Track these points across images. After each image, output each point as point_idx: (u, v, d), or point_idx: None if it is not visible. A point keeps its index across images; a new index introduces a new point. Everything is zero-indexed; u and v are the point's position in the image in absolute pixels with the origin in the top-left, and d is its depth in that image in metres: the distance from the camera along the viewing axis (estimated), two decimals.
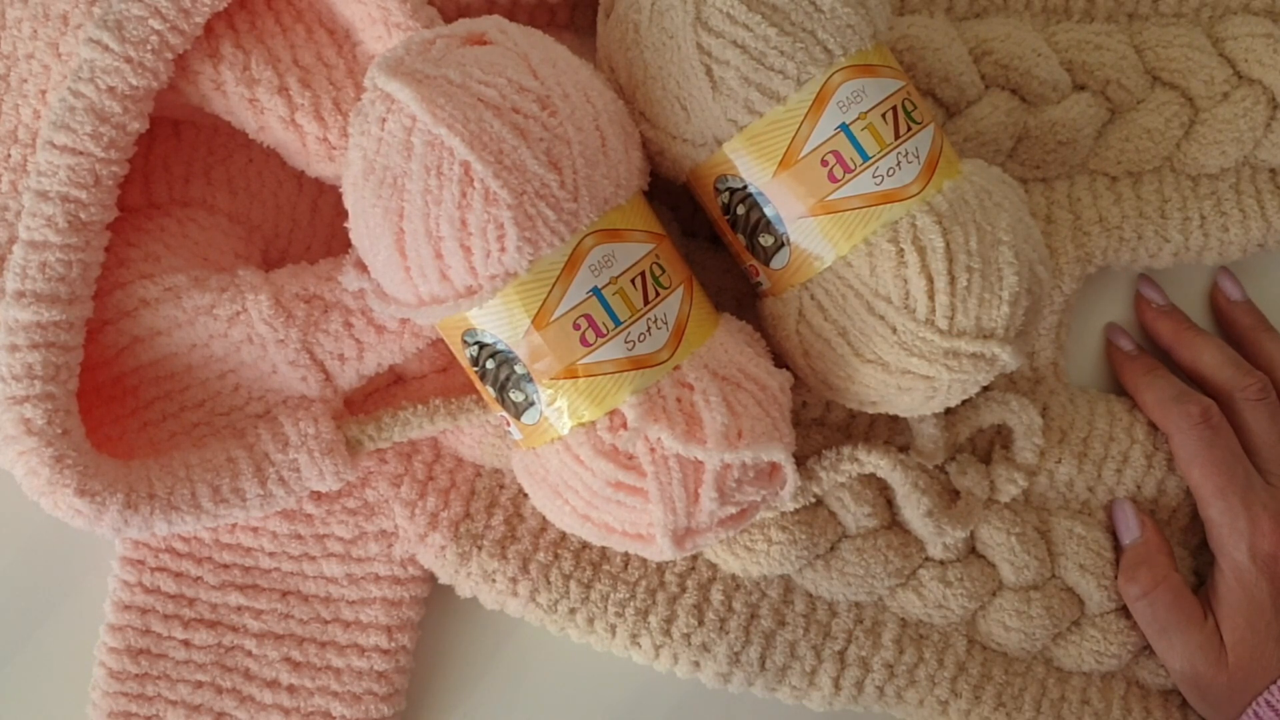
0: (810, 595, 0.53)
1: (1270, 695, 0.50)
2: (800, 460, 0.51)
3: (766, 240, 0.45)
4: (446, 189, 0.40)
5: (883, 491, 0.52)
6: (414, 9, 0.45)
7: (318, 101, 0.46)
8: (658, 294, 0.43)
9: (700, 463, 0.42)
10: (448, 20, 0.46)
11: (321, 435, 0.48)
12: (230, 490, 0.47)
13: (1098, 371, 0.57)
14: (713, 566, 0.52)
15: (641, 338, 0.42)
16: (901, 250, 0.44)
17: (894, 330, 0.44)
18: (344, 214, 0.44)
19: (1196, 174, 0.55)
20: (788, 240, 0.45)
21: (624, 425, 0.42)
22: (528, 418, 0.44)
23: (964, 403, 0.51)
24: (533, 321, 0.42)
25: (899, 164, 0.44)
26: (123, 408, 0.48)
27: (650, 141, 0.46)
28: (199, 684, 0.51)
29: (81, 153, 0.44)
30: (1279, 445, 0.53)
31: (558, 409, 0.43)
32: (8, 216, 0.49)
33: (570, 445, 0.43)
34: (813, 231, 0.44)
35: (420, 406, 0.49)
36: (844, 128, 0.43)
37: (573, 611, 0.51)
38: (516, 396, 0.44)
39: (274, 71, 0.46)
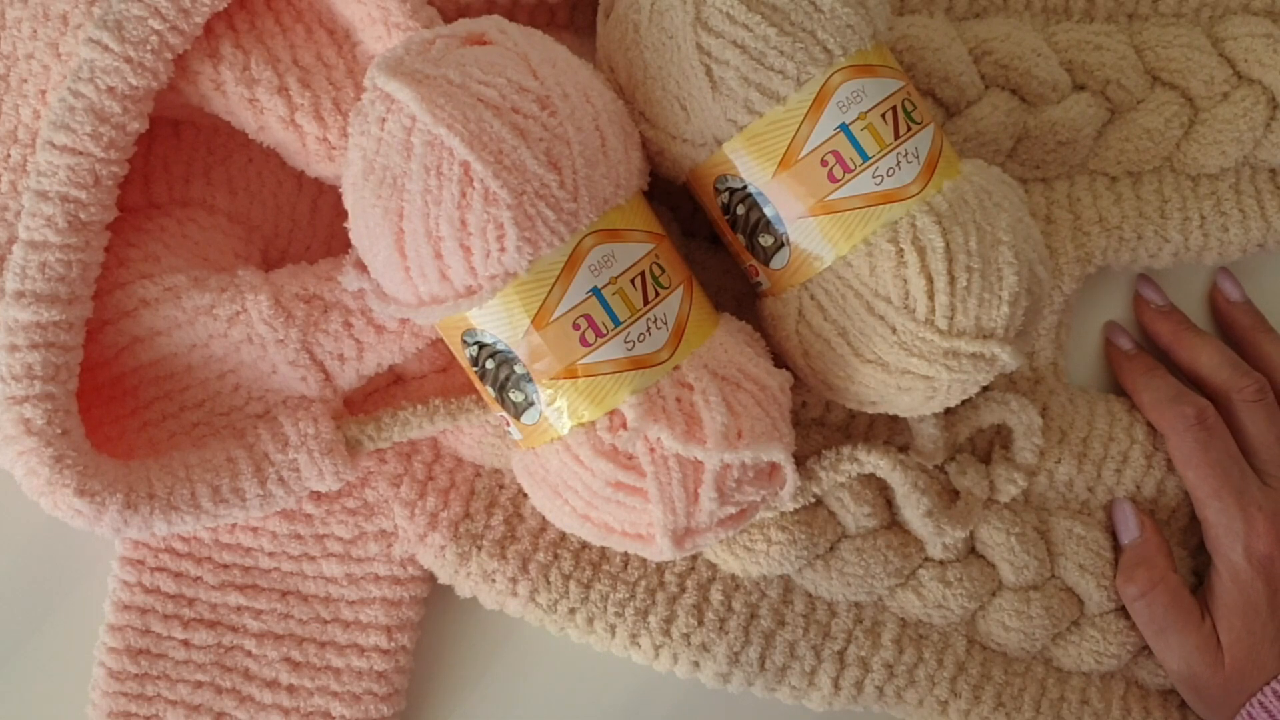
0: (810, 595, 0.53)
1: (1263, 696, 0.50)
2: (800, 460, 0.51)
3: (766, 240, 0.45)
4: (446, 189, 0.40)
5: (882, 491, 0.52)
6: (414, 9, 0.45)
7: (318, 101, 0.46)
8: (657, 294, 0.43)
9: (700, 463, 0.42)
10: (448, 20, 0.46)
11: (321, 435, 0.48)
12: (230, 490, 0.47)
13: (1098, 371, 0.57)
14: (712, 566, 0.52)
15: (641, 338, 0.42)
16: (901, 250, 0.44)
17: (894, 330, 0.44)
18: (344, 214, 0.44)
19: (1196, 174, 0.55)
20: (787, 240, 0.45)
21: (624, 425, 0.42)
22: (527, 418, 0.44)
23: (964, 403, 0.51)
24: (532, 321, 0.42)
25: (899, 164, 0.44)
26: (123, 408, 0.48)
27: (650, 141, 0.46)
28: (199, 684, 0.51)
29: (81, 153, 0.44)
30: (1276, 446, 0.53)
31: (557, 409, 0.43)
32: (8, 216, 0.49)
33: (570, 445, 0.43)
34: (812, 231, 0.44)
35: (420, 406, 0.49)
36: (844, 128, 0.43)
37: (572, 611, 0.51)
38: (516, 396, 0.44)
39: (274, 71, 0.46)
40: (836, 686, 0.52)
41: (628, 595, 0.52)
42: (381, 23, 0.45)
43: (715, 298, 0.48)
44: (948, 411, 0.52)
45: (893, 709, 0.53)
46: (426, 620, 0.54)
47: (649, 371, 0.42)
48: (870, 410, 0.48)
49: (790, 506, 0.51)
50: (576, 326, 0.42)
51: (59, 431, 0.44)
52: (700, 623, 0.52)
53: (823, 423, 0.53)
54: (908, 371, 0.45)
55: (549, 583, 0.51)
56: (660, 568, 0.52)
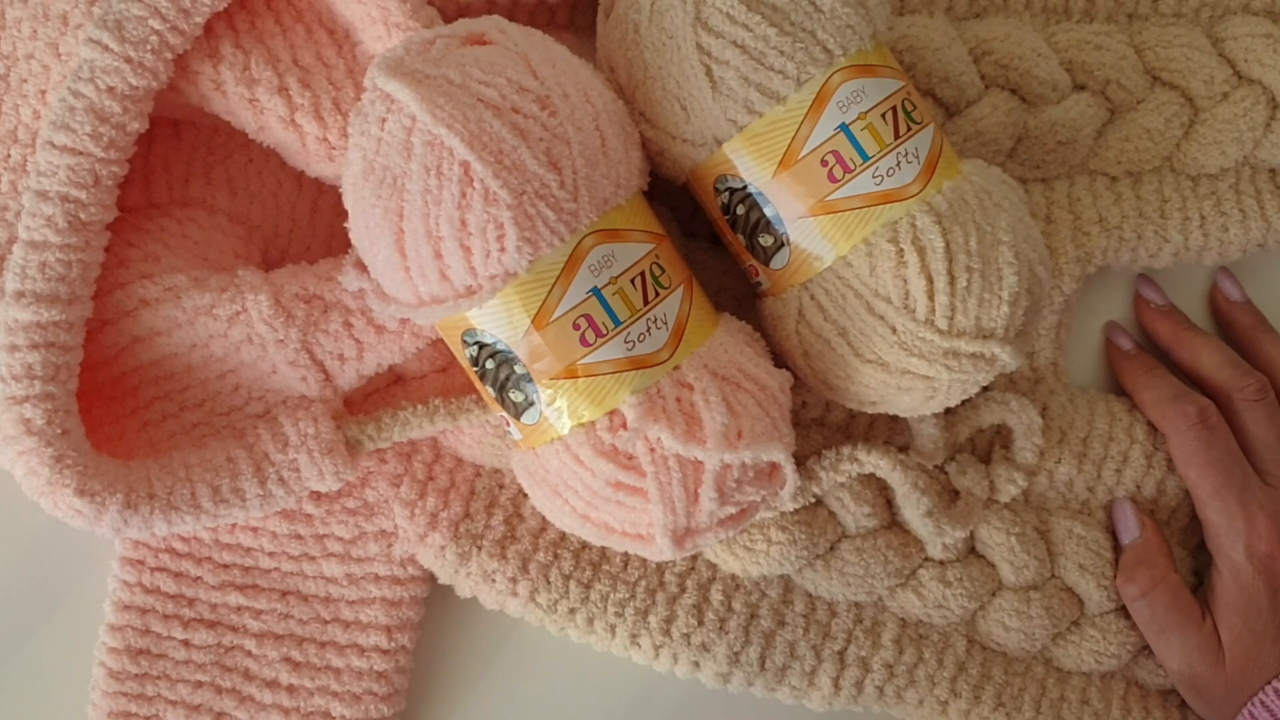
0: (810, 595, 0.53)
1: (1265, 695, 0.50)
2: (800, 460, 0.51)
3: (766, 240, 0.45)
4: (446, 189, 0.40)
5: (882, 491, 0.52)
6: (414, 9, 0.45)
7: (318, 101, 0.46)
8: (657, 294, 0.43)
9: (700, 463, 0.42)
10: (448, 20, 0.46)
11: (321, 435, 0.48)
12: (230, 490, 0.47)
13: (1098, 371, 0.57)
14: (712, 566, 0.52)
15: (641, 338, 0.42)
16: (901, 250, 0.44)
17: (894, 330, 0.44)
18: (344, 214, 0.44)
19: (1196, 174, 0.55)
20: (787, 240, 0.45)
21: (624, 425, 0.42)
22: (527, 418, 0.44)
23: (964, 403, 0.51)
24: (532, 321, 0.42)
25: (899, 164, 0.44)
26: (123, 408, 0.48)
27: (650, 141, 0.46)
28: (199, 684, 0.51)
29: (81, 153, 0.44)
30: (1277, 445, 0.53)
31: (557, 409, 0.43)
32: (8, 216, 0.49)
33: (570, 445, 0.43)
34: (812, 231, 0.44)
35: (420, 406, 0.49)
36: (844, 128, 0.43)
37: (572, 611, 0.51)
38: (516, 396, 0.44)
39: (274, 71, 0.46)
40: (836, 686, 0.52)
41: (628, 595, 0.52)
42: (381, 23, 0.45)
43: (715, 298, 0.48)
44: (948, 411, 0.52)
45: (893, 709, 0.53)
46: (426, 620, 0.54)
47: (649, 371, 0.42)
48: (870, 410, 0.48)
49: (790, 506, 0.51)
50: (576, 326, 0.42)
51: (59, 431, 0.44)
52: (700, 623, 0.52)
53: (823, 423, 0.53)
54: (908, 371, 0.45)
55: (549, 583, 0.51)
56: (660, 568, 0.52)
